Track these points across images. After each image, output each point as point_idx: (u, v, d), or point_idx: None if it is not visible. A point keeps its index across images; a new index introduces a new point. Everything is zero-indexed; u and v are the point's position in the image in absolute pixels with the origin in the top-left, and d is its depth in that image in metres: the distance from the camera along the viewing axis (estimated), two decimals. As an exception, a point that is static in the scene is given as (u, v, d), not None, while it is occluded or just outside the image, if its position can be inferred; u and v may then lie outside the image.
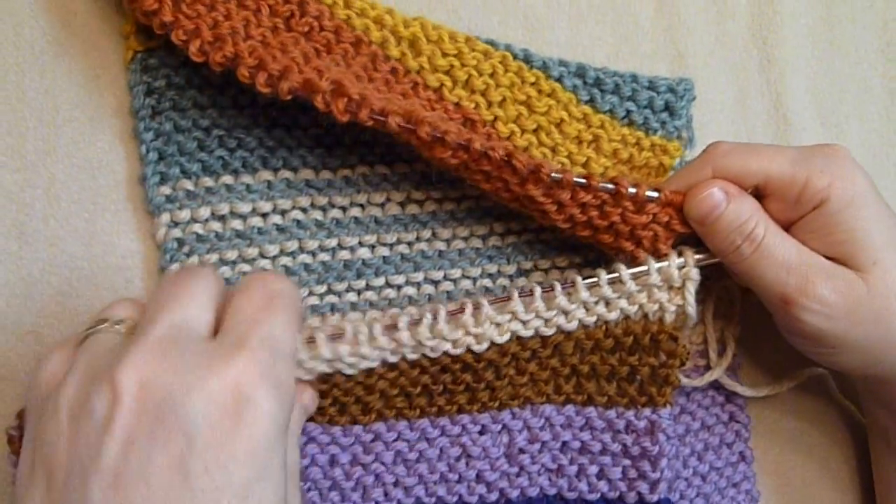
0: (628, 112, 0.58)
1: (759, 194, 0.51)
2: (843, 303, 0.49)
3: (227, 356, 0.39)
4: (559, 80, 0.58)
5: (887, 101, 0.65)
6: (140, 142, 0.55)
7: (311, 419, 0.51)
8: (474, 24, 0.60)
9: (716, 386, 0.59)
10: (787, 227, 0.51)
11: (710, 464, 0.58)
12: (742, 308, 0.58)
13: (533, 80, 0.58)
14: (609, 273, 0.52)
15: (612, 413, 0.54)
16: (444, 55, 0.56)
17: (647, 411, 0.53)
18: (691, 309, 0.52)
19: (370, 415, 0.52)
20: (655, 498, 0.53)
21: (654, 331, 0.52)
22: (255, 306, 0.42)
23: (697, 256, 0.52)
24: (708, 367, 0.58)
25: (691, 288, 0.51)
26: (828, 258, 0.50)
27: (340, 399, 0.51)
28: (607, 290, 0.51)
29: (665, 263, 0.52)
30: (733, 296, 0.58)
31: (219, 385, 0.38)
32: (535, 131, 0.57)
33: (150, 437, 0.37)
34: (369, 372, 0.50)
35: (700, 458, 0.58)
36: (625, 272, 0.51)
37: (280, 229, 0.56)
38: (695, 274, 0.52)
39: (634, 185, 0.51)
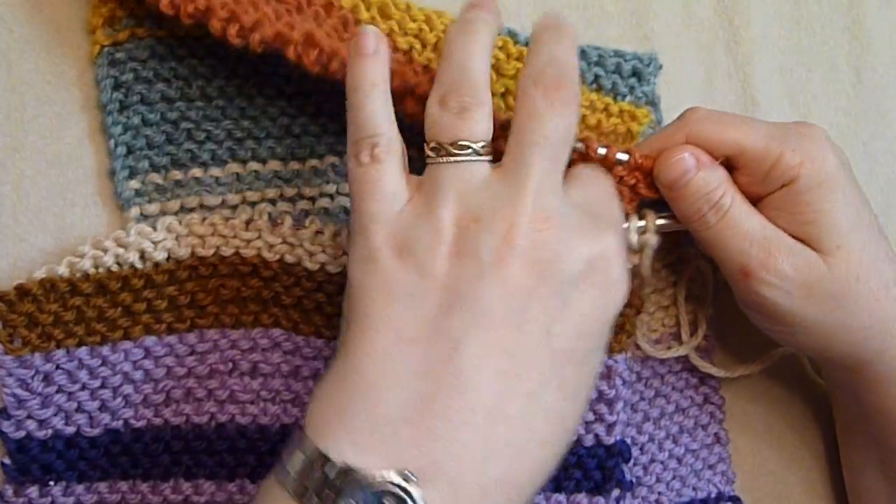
0: (596, 77, 0.58)
1: (730, 165, 0.51)
2: (802, 280, 0.49)
3: (600, 230, 0.42)
4: (526, 45, 0.57)
5: (854, 80, 0.65)
6: (108, 136, 0.55)
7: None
8: (440, 7, 0.60)
9: (689, 368, 0.59)
10: (756, 201, 0.51)
11: (685, 446, 0.58)
12: (715, 290, 0.58)
13: (500, 44, 0.57)
14: None
15: None
16: (413, 20, 0.56)
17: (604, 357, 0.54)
18: (646, 271, 0.52)
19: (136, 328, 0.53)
20: (612, 440, 0.54)
21: None
22: (603, 210, 0.45)
23: (660, 222, 0.52)
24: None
25: (649, 252, 0.51)
26: (792, 237, 0.50)
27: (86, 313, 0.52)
28: None
29: (625, 224, 0.51)
30: (706, 278, 0.58)
31: (592, 256, 0.41)
32: (503, 95, 0.57)
33: (531, 294, 0.39)
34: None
35: (675, 440, 0.58)
36: None
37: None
38: (653, 239, 0.51)
39: (604, 146, 0.50)
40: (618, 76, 0.58)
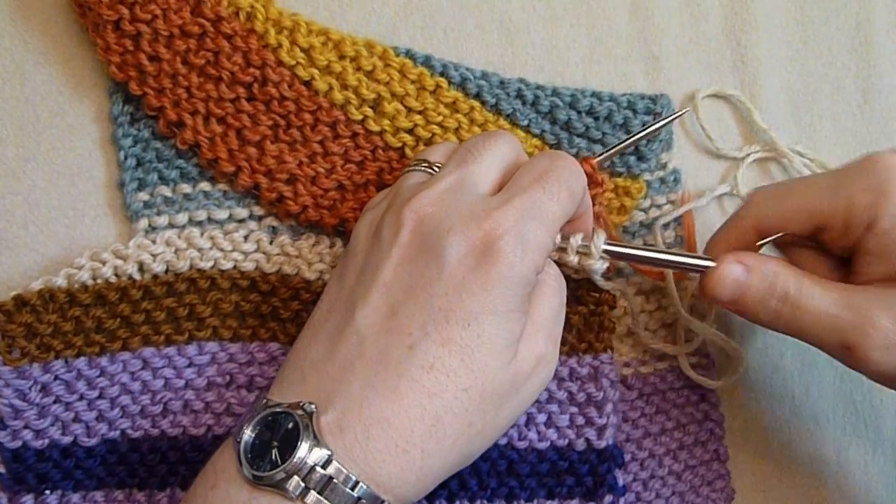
0: (594, 154, 0.58)
1: (812, 232, 0.49)
2: None
3: (490, 210, 0.46)
4: (527, 126, 0.58)
5: (860, 101, 0.65)
6: (118, 148, 0.56)
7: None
8: (450, 28, 0.61)
9: (690, 385, 0.59)
10: (850, 254, 0.49)
11: (684, 462, 0.59)
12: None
13: (507, 125, 0.58)
14: None
15: None
16: (409, 112, 0.57)
17: (588, 357, 0.55)
18: (602, 286, 0.53)
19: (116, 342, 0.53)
20: (603, 444, 0.54)
21: (571, 287, 0.53)
22: (532, 176, 0.48)
23: (608, 245, 0.51)
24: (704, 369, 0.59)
25: (597, 278, 0.52)
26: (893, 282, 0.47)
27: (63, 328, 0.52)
28: None
29: (560, 242, 0.51)
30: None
31: (475, 231, 0.45)
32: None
33: (414, 262, 0.45)
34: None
35: (675, 456, 0.59)
36: None
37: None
38: (600, 266, 0.51)
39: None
40: (616, 156, 0.59)
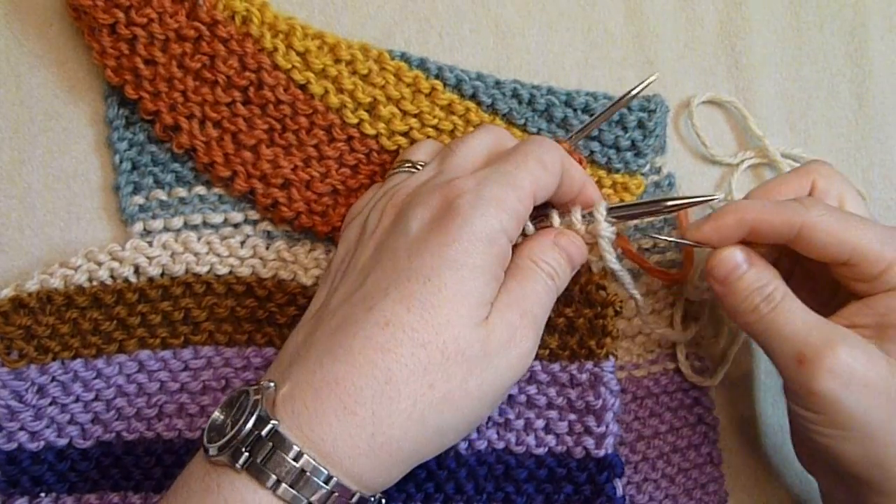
0: (591, 152, 0.59)
1: (831, 262, 0.50)
2: (862, 374, 0.46)
3: (451, 181, 0.47)
4: (524, 125, 0.58)
5: (855, 106, 0.65)
6: (114, 151, 0.56)
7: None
8: (445, 32, 0.61)
9: (684, 388, 0.59)
10: (854, 297, 0.50)
11: (678, 465, 0.59)
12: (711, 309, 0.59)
13: (504, 125, 0.58)
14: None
15: (555, 367, 0.54)
16: (405, 115, 0.57)
17: (589, 364, 0.54)
18: (609, 263, 0.52)
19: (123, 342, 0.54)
20: (602, 453, 0.53)
21: (581, 282, 0.53)
22: (502, 156, 0.50)
23: (611, 206, 0.51)
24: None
25: (604, 244, 0.51)
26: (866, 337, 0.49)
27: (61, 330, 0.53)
28: (532, 232, 0.51)
29: (567, 218, 0.51)
30: (702, 298, 0.59)
31: (436, 198, 0.47)
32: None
33: (386, 241, 0.47)
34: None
35: (668, 459, 0.59)
36: (529, 226, 0.51)
37: (250, 239, 0.57)
38: (605, 229, 0.51)
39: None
40: (614, 150, 0.59)
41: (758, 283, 0.50)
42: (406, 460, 0.44)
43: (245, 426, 0.41)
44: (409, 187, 0.49)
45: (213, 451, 0.42)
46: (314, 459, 0.41)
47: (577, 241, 0.51)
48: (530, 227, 0.51)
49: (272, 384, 0.43)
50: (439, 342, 0.43)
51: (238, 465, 0.41)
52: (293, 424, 0.42)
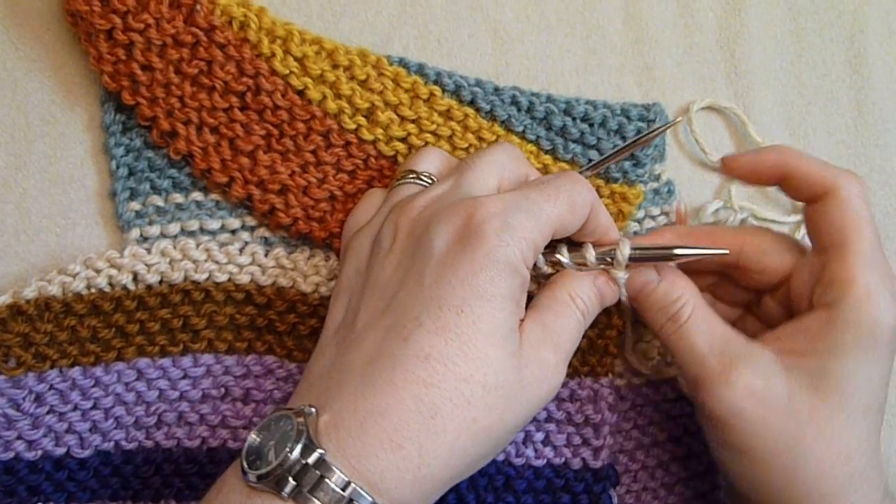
0: (590, 161, 0.58)
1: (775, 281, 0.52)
2: (761, 392, 0.47)
3: (477, 199, 0.46)
4: (522, 132, 0.58)
5: (854, 113, 0.65)
6: (110, 157, 0.55)
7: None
8: (444, 37, 0.61)
9: (683, 397, 0.59)
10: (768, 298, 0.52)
11: (676, 475, 0.59)
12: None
13: (502, 132, 0.58)
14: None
15: None
16: (403, 121, 0.57)
17: (589, 381, 0.55)
18: (624, 300, 0.52)
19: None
20: (598, 464, 0.55)
21: None
22: (532, 182, 0.49)
23: (631, 250, 0.50)
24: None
25: (622, 285, 0.51)
26: (786, 351, 0.49)
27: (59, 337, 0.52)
28: (542, 265, 0.51)
29: (578, 253, 0.51)
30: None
31: (460, 217, 0.46)
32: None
33: (408, 260, 0.46)
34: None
35: (667, 469, 0.59)
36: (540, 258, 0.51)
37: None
38: (623, 274, 0.51)
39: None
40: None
41: (666, 300, 0.50)
42: (442, 487, 0.44)
43: (292, 454, 0.41)
44: (424, 201, 0.48)
45: (252, 478, 0.42)
46: (362, 489, 0.41)
47: (613, 286, 0.51)
48: (540, 259, 0.51)
49: (314, 410, 0.43)
50: (479, 376, 0.43)
51: (285, 494, 0.41)
52: (339, 454, 0.41)
